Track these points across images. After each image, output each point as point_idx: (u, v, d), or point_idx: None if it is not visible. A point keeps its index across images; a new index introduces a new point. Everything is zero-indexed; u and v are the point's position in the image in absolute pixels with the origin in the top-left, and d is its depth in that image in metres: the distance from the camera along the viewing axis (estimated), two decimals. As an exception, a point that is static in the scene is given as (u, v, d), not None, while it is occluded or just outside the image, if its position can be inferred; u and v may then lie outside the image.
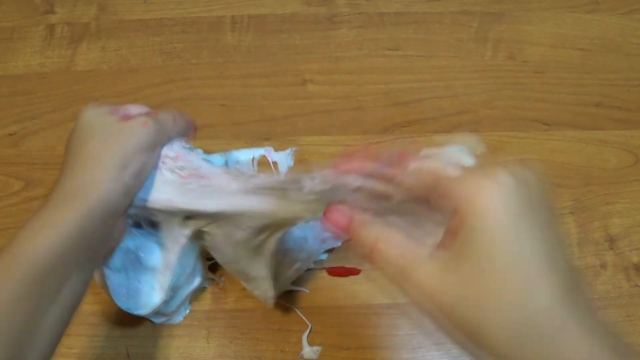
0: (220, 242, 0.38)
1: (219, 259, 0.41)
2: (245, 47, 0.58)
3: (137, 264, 0.40)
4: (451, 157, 0.30)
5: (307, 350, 0.43)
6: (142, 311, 0.40)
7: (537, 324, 0.23)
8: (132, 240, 0.40)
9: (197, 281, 0.43)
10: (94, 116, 0.35)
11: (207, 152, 0.41)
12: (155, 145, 0.35)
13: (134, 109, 0.37)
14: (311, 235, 0.44)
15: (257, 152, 0.51)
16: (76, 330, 0.44)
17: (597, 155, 0.52)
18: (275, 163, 0.51)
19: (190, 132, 0.40)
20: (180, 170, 0.36)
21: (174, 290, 0.42)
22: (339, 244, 0.46)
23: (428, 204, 0.27)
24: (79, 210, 0.31)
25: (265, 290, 0.40)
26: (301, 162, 0.51)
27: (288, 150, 0.51)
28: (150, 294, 0.41)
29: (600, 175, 0.51)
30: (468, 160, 0.32)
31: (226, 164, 0.46)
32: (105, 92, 0.55)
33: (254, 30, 0.59)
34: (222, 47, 0.58)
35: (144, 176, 0.35)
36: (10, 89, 0.56)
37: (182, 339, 0.44)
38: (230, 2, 0.60)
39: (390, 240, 0.27)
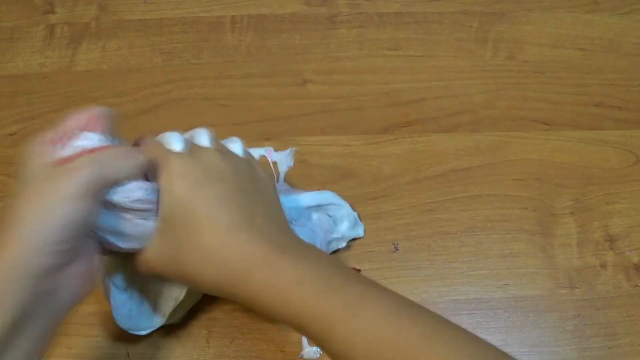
0: None
1: None
2: (245, 47, 0.58)
3: (143, 290, 0.40)
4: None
5: (307, 350, 0.43)
6: (142, 332, 0.41)
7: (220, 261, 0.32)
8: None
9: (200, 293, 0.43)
10: (28, 159, 0.32)
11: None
12: (93, 192, 0.31)
13: (79, 118, 0.33)
14: (318, 239, 0.44)
15: (257, 152, 0.51)
16: (75, 330, 0.44)
17: (597, 155, 0.52)
18: (275, 163, 0.51)
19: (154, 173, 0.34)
20: (152, 217, 0.34)
21: (184, 307, 0.42)
22: (344, 244, 0.46)
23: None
24: None
25: None
26: (301, 162, 0.51)
27: (288, 150, 0.51)
28: (151, 318, 0.41)
29: (600, 175, 0.51)
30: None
31: None
32: (105, 92, 0.55)
33: (254, 30, 0.59)
34: (222, 47, 0.58)
35: (78, 229, 0.30)
36: (10, 89, 0.56)
37: (182, 339, 0.44)
38: (230, 2, 0.60)
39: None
